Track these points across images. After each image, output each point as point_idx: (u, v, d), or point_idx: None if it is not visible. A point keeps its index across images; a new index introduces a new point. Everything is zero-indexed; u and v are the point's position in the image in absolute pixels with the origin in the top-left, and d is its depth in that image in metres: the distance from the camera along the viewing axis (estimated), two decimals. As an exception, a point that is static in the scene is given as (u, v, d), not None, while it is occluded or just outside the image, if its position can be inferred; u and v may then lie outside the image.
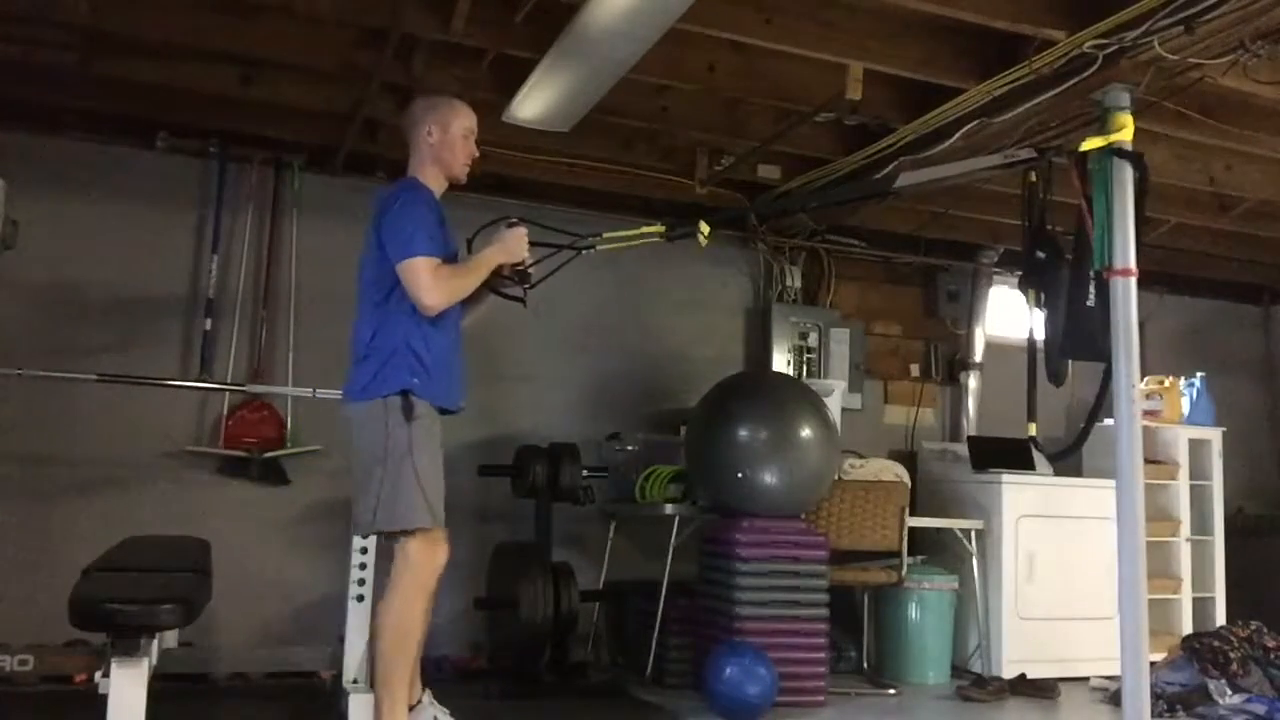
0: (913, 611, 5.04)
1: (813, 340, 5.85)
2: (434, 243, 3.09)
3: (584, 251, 3.54)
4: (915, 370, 6.25)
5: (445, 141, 3.27)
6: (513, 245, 3.27)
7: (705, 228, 3.48)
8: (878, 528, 4.79)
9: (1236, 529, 6.15)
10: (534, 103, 4.16)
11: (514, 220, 3.34)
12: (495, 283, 3.31)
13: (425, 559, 3.06)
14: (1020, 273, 4.23)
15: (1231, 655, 4.38)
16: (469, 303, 3.28)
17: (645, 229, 3.58)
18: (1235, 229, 5.78)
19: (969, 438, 5.78)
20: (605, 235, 3.57)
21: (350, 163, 5.02)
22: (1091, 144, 3.34)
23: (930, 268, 6.25)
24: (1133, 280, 3.32)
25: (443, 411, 3.20)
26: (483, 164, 5.04)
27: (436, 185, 3.29)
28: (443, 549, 3.12)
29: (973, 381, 6.17)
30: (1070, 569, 5.18)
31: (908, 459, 5.78)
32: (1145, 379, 5.82)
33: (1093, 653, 5.04)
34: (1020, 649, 5.07)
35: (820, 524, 4.68)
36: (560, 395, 5.36)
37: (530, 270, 3.32)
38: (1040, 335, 3.97)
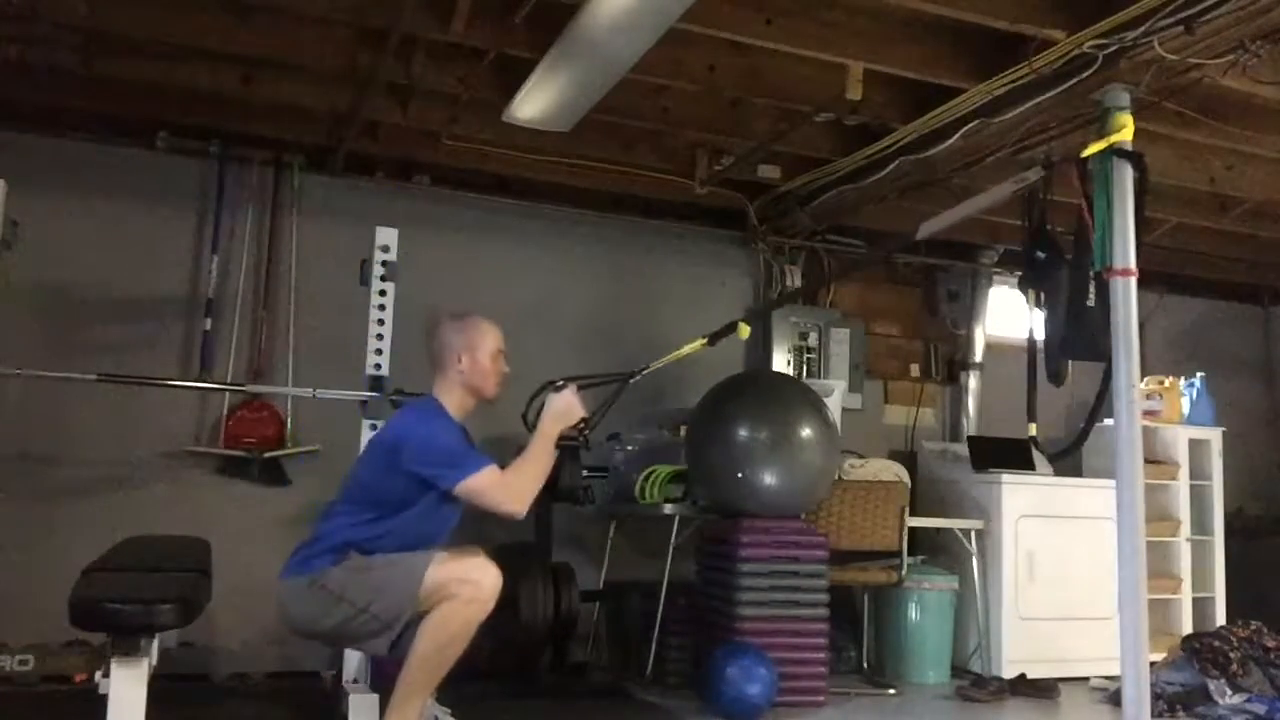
0: (913, 611, 5.04)
1: (813, 340, 5.84)
2: (479, 457, 3.06)
3: (633, 380, 3.56)
4: (915, 370, 6.25)
5: (476, 369, 3.23)
6: (564, 409, 3.24)
7: (745, 329, 3.62)
8: (878, 528, 4.79)
9: (1236, 529, 6.16)
10: (534, 103, 4.16)
11: (560, 383, 3.29)
12: (559, 445, 3.28)
13: (459, 574, 2.94)
14: (1020, 273, 4.24)
15: (1231, 655, 4.38)
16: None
17: (688, 348, 3.68)
18: (1235, 229, 5.77)
19: (969, 438, 5.78)
20: (651, 365, 3.62)
21: (350, 163, 5.02)
22: (1094, 149, 3.34)
23: (930, 268, 6.25)
24: (1133, 280, 3.32)
25: None
26: (483, 164, 5.11)
27: (460, 410, 3.23)
28: (476, 565, 2.99)
29: (973, 381, 6.17)
30: (1070, 569, 5.18)
31: (908, 459, 5.78)
32: (1145, 379, 5.82)
33: (1093, 653, 5.04)
34: (1020, 649, 5.07)
35: (820, 524, 4.68)
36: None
37: (589, 419, 3.29)
38: (1040, 335, 3.98)
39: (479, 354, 3.23)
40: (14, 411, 4.42)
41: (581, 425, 3.27)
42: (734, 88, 4.30)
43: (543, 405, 3.28)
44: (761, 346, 5.81)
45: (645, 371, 3.58)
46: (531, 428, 3.27)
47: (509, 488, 3.06)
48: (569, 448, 4.73)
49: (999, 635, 5.09)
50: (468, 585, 2.93)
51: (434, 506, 3.09)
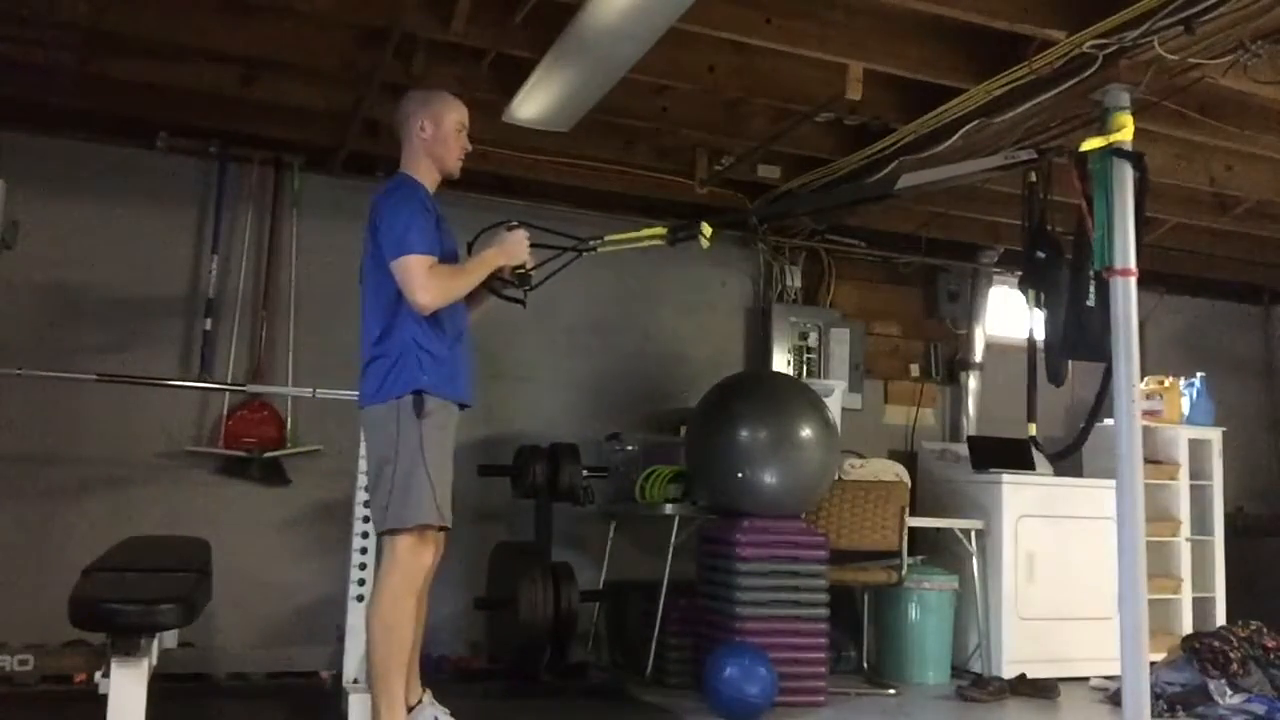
0: (913, 611, 5.04)
1: (813, 340, 5.85)
2: (428, 239, 3.08)
3: (585, 253, 3.52)
4: (915, 370, 6.25)
5: (438, 136, 3.25)
6: (512, 247, 3.26)
7: (708, 229, 3.44)
8: (878, 528, 4.79)
9: (1236, 529, 6.16)
10: (534, 103, 4.16)
11: (514, 223, 3.33)
12: (495, 285, 3.30)
13: (412, 558, 3.06)
14: (1020, 273, 4.24)
15: (1231, 655, 4.39)
16: (469, 304, 3.28)
17: (647, 231, 3.56)
18: (1235, 229, 5.77)
19: (969, 438, 5.78)
20: (607, 238, 3.54)
21: (350, 163, 5.02)
22: (1092, 144, 3.34)
23: (930, 268, 6.25)
24: (1133, 280, 3.32)
25: (461, 406, 3.21)
26: (483, 164, 5.10)
27: (430, 181, 3.27)
28: (431, 549, 3.12)
29: (973, 381, 6.17)
30: (1070, 569, 5.18)
31: (908, 459, 5.78)
32: (1145, 379, 5.82)
33: (1093, 653, 5.05)
34: (1020, 649, 5.07)
35: (820, 524, 4.68)
36: (560, 395, 5.36)
37: (531, 273, 3.31)
38: (1040, 335, 3.98)
39: (443, 122, 3.26)
40: (14, 411, 4.42)
41: (521, 269, 3.27)
42: (734, 88, 4.29)
43: (493, 239, 3.29)
44: (761, 347, 5.81)
45: (598, 246, 3.52)
46: (474, 254, 3.28)
47: (430, 278, 3.04)
48: (567, 445, 4.76)
49: (999, 635, 5.09)
50: (395, 570, 3.03)
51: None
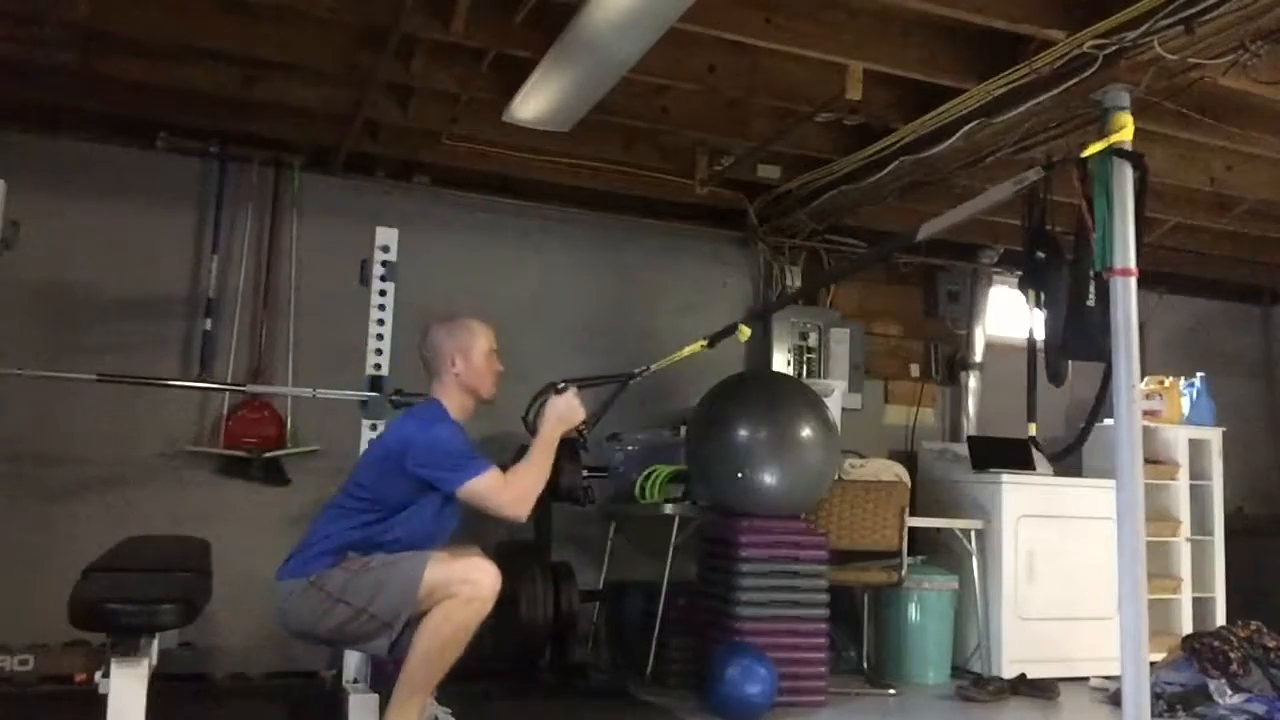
0: (913, 611, 5.04)
1: (813, 340, 5.84)
2: (483, 459, 3.06)
3: (632, 380, 3.59)
4: (915, 370, 6.25)
5: (470, 369, 3.24)
6: (566, 412, 3.26)
7: (745, 331, 3.62)
8: (878, 528, 4.79)
9: (1236, 529, 6.15)
10: (534, 103, 4.16)
11: (561, 384, 3.31)
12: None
13: (458, 574, 2.95)
14: (1020, 273, 4.23)
15: (1231, 655, 4.38)
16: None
17: (688, 350, 3.68)
18: (1235, 229, 5.77)
19: (969, 438, 5.78)
20: (652, 367, 3.63)
21: (350, 163, 5.02)
22: (1093, 150, 3.34)
23: (930, 268, 6.25)
24: (1133, 280, 3.32)
25: None
26: (483, 164, 5.11)
27: (461, 412, 3.24)
28: (474, 565, 3.00)
29: (973, 381, 6.17)
30: (1070, 569, 5.18)
31: (908, 459, 5.78)
32: (1145, 379, 5.82)
33: (1093, 653, 5.05)
34: (1020, 649, 5.07)
35: (820, 524, 4.68)
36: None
37: (589, 422, 3.32)
38: (1040, 335, 3.97)
39: (472, 355, 3.25)
40: (14, 411, 4.42)
41: (582, 427, 3.29)
42: (734, 88, 4.29)
43: (543, 407, 3.27)
44: (761, 346, 5.81)
45: (645, 373, 3.59)
46: (532, 430, 3.27)
47: (511, 490, 3.06)
48: (567, 444, 4.76)
49: (999, 635, 5.09)
50: (467, 585, 2.93)
51: (435, 509, 3.09)
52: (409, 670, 2.96)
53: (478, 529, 4.91)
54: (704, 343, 3.63)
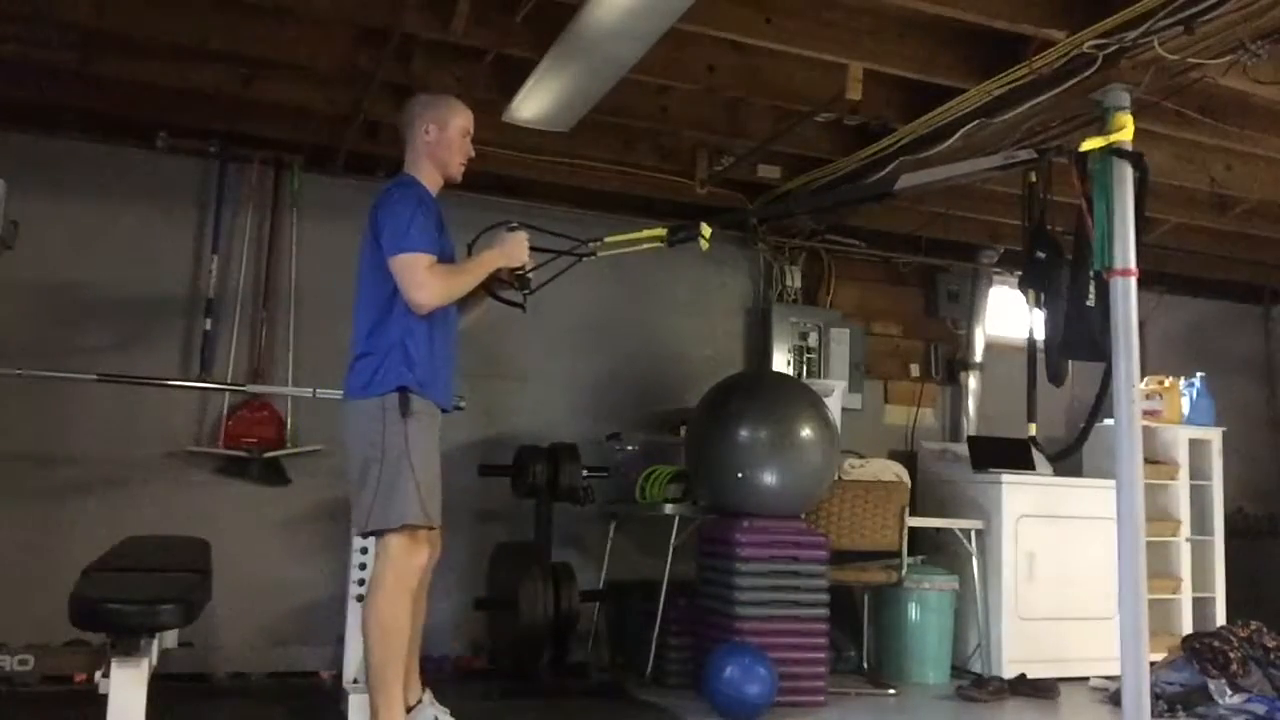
0: (913, 611, 5.04)
1: (813, 340, 5.85)
2: (428, 238, 3.09)
3: (585, 257, 3.51)
4: (915, 370, 6.25)
5: (442, 140, 3.27)
6: (512, 249, 3.27)
7: (707, 230, 3.43)
8: (878, 528, 4.79)
9: (1236, 529, 6.16)
10: (534, 103, 4.16)
11: (514, 224, 3.33)
12: (494, 287, 3.30)
13: (406, 557, 3.05)
14: (1020, 273, 4.24)
15: (1231, 655, 4.38)
16: (466, 306, 3.28)
17: (646, 232, 3.55)
18: (1235, 229, 5.77)
19: (969, 438, 5.78)
20: (606, 240, 3.53)
21: (350, 163, 5.02)
22: (1091, 144, 3.34)
23: (930, 268, 6.25)
24: (1133, 280, 3.32)
25: (441, 410, 3.20)
26: (483, 164, 5.08)
27: (432, 183, 3.28)
28: (425, 548, 3.10)
29: (973, 381, 6.17)
30: (1070, 569, 5.18)
31: (908, 459, 5.78)
32: (1145, 379, 5.82)
33: (1093, 653, 5.05)
34: (1020, 649, 5.07)
35: (820, 524, 4.68)
36: (560, 395, 5.36)
37: (530, 275, 3.30)
38: (1040, 335, 3.98)
39: (448, 127, 3.27)
40: (14, 411, 4.42)
41: (520, 271, 3.26)
42: (734, 88, 4.29)
43: (493, 240, 3.29)
44: (761, 347, 5.82)
45: (597, 249, 3.51)
46: (474, 255, 3.27)
47: (430, 277, 3.05)
48: (566, 446, 4.76)
49: (999, 635, 5.09)
50: (400, 564, 3.02)
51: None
52: (370, 673, 3.08)
53: (478, 529, 4.94)
54: (663, 230, 3.54)
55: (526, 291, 3.31)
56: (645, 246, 3.54)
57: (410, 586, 3.08)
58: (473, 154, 3.36)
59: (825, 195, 5.11)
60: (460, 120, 3.31)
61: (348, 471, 3.17)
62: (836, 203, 5.17)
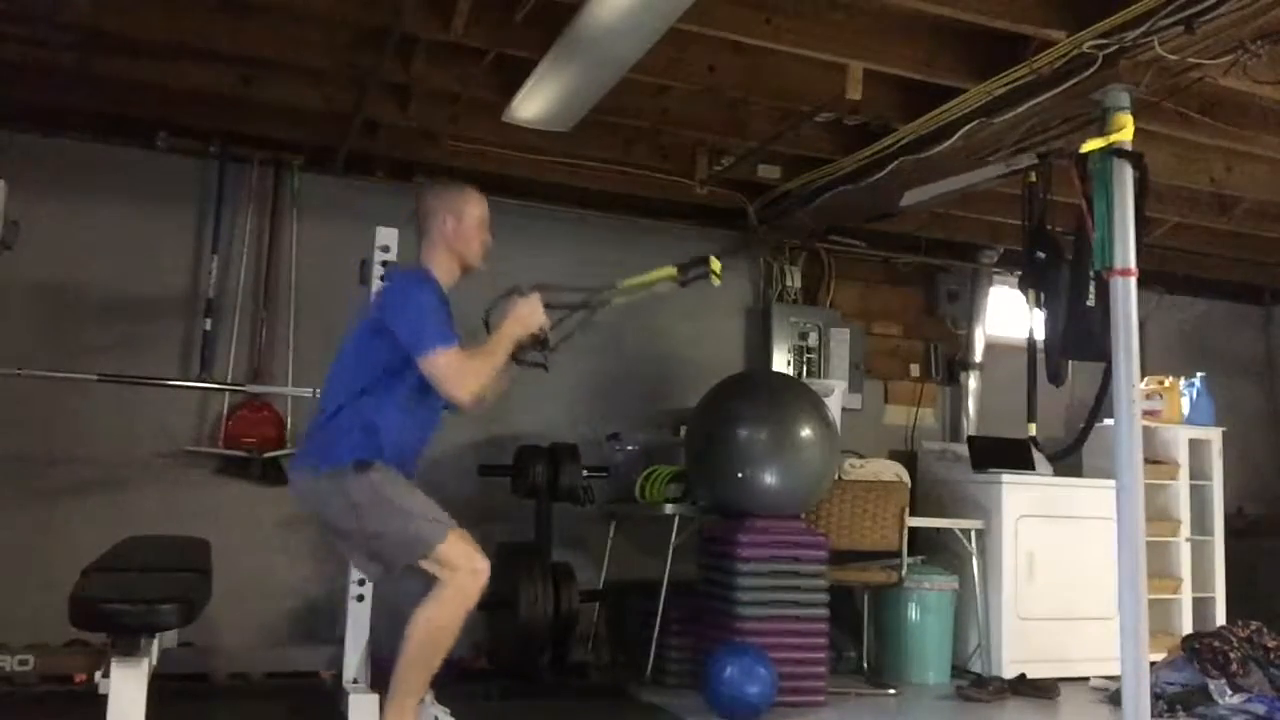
0: (913, 611, 5.04)
1: (813, 340, 5.85)
2: (449, 334, 3.02)
3: (599, 307, 3.48)
4: (915, 370, 6.25)
5: (460, 231, 3.21)
6: (529, 316, 3.21)
7: (717, 265, 3.44)
8: (878, 528, 4.79)
9: (1236, 529, 6.15)
10: (534, 103, 4.16)
11: (524, 288, 3.29)
12: (515, 353, 3.27)
13: (464, 561, 2.94)
14: (1020, 273, 4.24)
15: (1231, 655, 4.38)
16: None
17: (657, 273, 3.54)
18: (1235, 229, 5.77)
19: (969, 438, 5.78)
20: (618, 285, 3.51)
21: (350, 163, 5.02)
22: (1092, 145, 3.34)
23: (930, 268, 6.25)
24: (1133, 280, 3.32)
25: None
26: (483, 164, 5.10)
27: (448, 276, 3.22)
28: (479, 553, 2.99)
29: (973, 381, 6.17)
30: (1070, 569, 5.18)
31: (908, 459, 5.78)
32: (1145, 379, 5.82)
33: (1093, 653, 5.04)
34: (1020, 649, 5.07)
35: (820, 524, 4.68)
36: (560, 395, 5.35)
37: (549, 335, 3.27)
38: (1040, 335, 3.98)
39: (465, 217, 3.23)
40: (14, 411, 4.42)
41: (541, 334, 3.24)
42: (734, 88, 4.29)
43: (506, 309, 3.23)
44: (761, 346, 5.81)
45: (612, 293, 3.51)
46: (491, 330, 3.21)
47: (462, 373, 2.99)
48: (566, 446, 4.76)
49: (999, 635, 5.09)
50: (468, 574, 2.93)
51: (414, 386, 3.04)
52: (401, 671, 2.96)
53: (478, 529, 4.93)
54: (673, 270, 3.55)
55: (548, 350, 3.29)
56: (656, 285, 3.54)
57: (471, 595, 2.94)
58: (490, 241, 3.31)
59: (831, 208, 5.11)
60: (477, 210, 3.27)
61: (338, 544, 3.13)
62: (842, 222, 5.17)
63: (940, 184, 3.73)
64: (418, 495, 3.02)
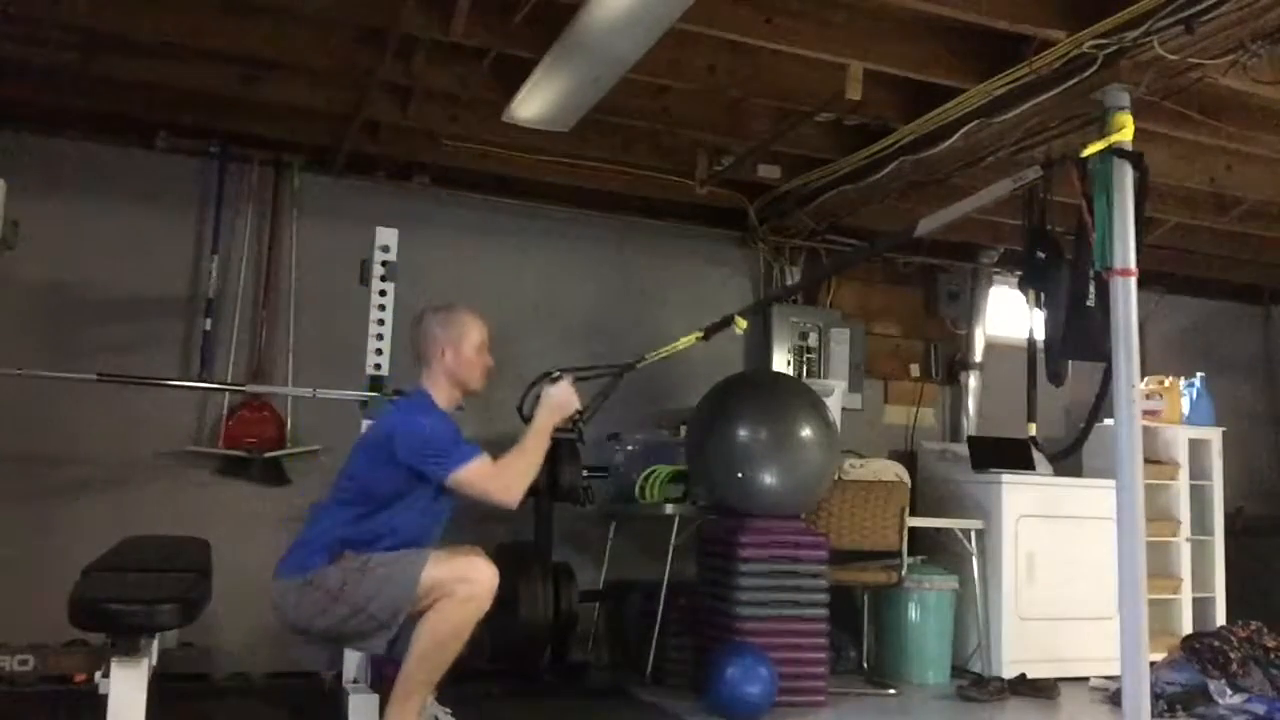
0: (913, 611, 5.04)
1: (813, 340, 5.84)
2: (470, 447, 3.06)
3: (626, 372, 3.57)
4: (915, 370, 6.25)
5: (460, 362, 3.24)
6: (561, 402, 3.27)
7: (743, 323, 3.57)
8: (878, 528, 4.79)
9: (1236, 529, 6.15)
10: (534, 103, 4.16)
11: (556, 374, 3.32)
12: (553, 435, 3.29)
13: (452, 576, 2.96)
14: (1020, 273, 4.23)
15: (1231, 655, 4.39)
16: None
17: (684, 341, 3.64)
18: (1235, 229, 5.77)
19: (969, 438, 5.78)
20: (647, 357, 3.60)
21: (350, 163, 5.02)
22: (1093, 149, 3.34)
23: (930, 268, 6.25)
24: (1133, 280, 3.32)
25: None
26: (483, 164, 5.11)
27: (449, 402, 3.25)
28: (470, 564, 3.01)
29: (973, 381, 6.17)
30: (1070, 569, 5.18)
31: (908, 459, 5.77)
32: (1145, 379, 5.82)
33: (1093, 653, 5.04)
34: (1020, 649, 5.07)
35: (820, 524, 4.68)
36: (560, 395, 5.35)
37: (584, 413, 3.32)
38: (1040, 335, 3.97)
39: (463, 346, 3.25)
40: (14, 411, 4.42)
41: (577, 417, 3.29)
42: (734, 88, 4.29)
43: (538, 397, 3.29)
44: (761, 346, 5.81)
45: (641, 364, 3.57)
46: (527, 420, 3.27)
47: (501, 478, 3.07)
48: (567, 443, 4.75)
49: (999, 635, 5.09)
50: (464, 584, 2.94)
51: (427, 501, 3.10)
52: (407, 670, 2.97)
53: (478, 529, 4.92)
54: (699, 334, 3.62)
55: (583, 424, 3.36)
56: (684, 347, 3.66)
57: (472, 604, 2.97)
58: (491, 363, 3.33)
59: (851, 256, 5.29)
60: (476, 336, 3.29)
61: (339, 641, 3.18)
62: (861, 258, 5.39)
63: (953, 209, 3.74)
64: (386, 555, 3.02)
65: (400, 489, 3.07)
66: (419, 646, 2.94)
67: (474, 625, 2.98)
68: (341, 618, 2.98)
